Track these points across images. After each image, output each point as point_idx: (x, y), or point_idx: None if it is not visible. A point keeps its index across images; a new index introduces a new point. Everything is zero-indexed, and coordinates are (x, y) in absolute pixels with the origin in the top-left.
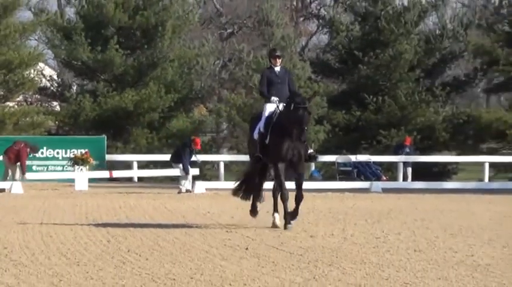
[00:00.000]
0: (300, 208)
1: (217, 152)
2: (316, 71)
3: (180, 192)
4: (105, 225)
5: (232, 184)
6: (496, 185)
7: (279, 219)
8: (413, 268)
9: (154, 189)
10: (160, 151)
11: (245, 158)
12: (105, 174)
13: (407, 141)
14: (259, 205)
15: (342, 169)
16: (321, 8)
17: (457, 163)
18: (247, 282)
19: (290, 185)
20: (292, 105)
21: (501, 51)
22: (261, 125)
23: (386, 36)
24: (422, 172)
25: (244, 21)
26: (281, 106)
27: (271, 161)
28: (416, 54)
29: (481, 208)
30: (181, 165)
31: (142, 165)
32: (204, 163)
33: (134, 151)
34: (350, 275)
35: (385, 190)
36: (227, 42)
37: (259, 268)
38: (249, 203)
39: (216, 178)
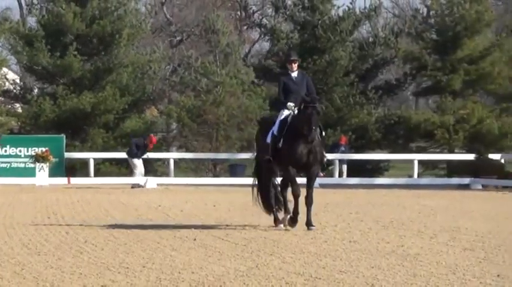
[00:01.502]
0: (311, 212)
1: (168, 150)
2: (259, 76)
3: (134, 187)
4: (64, 218)
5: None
6: (424, 181)
7: (289, 219)
8: (349, 258)
9: (109, 184)
10: (115, 149)
11: (192, 155)
12: (63, 180)
13: (342, 141)
14: (281, 214)
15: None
16: (263, 17)
17: (388, 161)
18: (195, 270)
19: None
20: (302, 104)
21: (429, 58)
22: (274, 129)
23: (323, 44)
24: (356, 169)
25: (192, 30)
26: (297, 110)
27: (283, 166)
28: (351, 60)
29: (411, 202)
30: (134, 159)
31: (99, 162)
32: (155, 160)
33: (91, 149)
34: (290, 264)
35: (322, 185)
36: (177, 49)
37: (206, 257)
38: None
39: (166, 174)
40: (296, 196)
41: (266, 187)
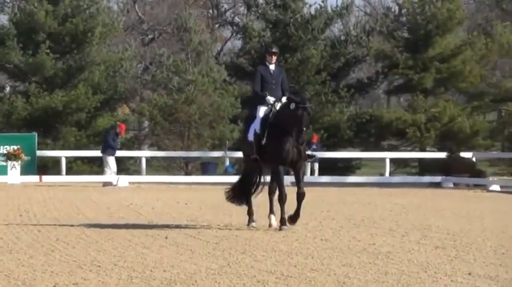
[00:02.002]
0: (301, 206)
1: (139, 148)
2: (231, 74)
3: (106, 185)
4: (35, 216)
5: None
6: (396, 179)
7: (275, 220)
8: (320, 256)
9: (81, 182)
10: (87, 148)
11: (164, 154)
12: (35, 179)
13: (314, 139)
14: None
15: None
16: (235, 15)
17: (360, 159)
18: (166, 268)
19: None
20: (293, 104)
21: (400, 56)
22: (256, 126)
23: (295, 42)
24: (328, 167)
25: (164, 28)
26: (278, 106)
27: (270, 163)
28: (323, 59)
29: (382, 200)
30: (109, 157)
31: (71, 160)
32: (127, 158)
33: (63, 148)
34: (261, 262)
35: (294, 184)
36: (148, 47)
37: (178, 256)
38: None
39: (138, 172)
40: (282, 202)
41: (249, 179)
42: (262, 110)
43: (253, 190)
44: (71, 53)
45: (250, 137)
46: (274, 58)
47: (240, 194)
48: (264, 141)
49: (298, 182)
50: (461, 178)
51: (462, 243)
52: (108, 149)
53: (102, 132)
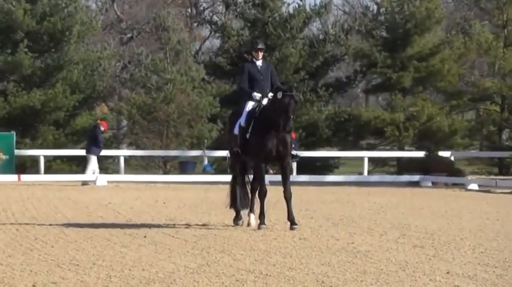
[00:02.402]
0: (292, 205)
1: (118, 147)
2: (210, 73)
3: (84, 184)
4: (14, 215)
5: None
6: (374, 178)
7: (254, 219)
8: (299, 255)
9: (60, 181)
10: (65, 147)
11: (143, 153)
12: (14, 178)
13: (292, 136)
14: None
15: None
16: (213, 14)
17: (338, 158)
18: (145, 267)
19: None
20: (280, 93)
21: (379, 55)
22: (242, 119)
23: (273, 41)
24: (306, 166)
25: (143, 27)
26: (265, 101)
27: (253, 159)
28: (301, 58)
29: (361, 199)
30: (92, 156)
31: (49, 159)
32: (106, 157)
33: (41, 146)
34: (240, 261)
35: (272, 183)
36: (127, 46)
37: (157, 255)
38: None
39: (116, 171)
40: (262, 197)
41: (235, 182)
42: (249, 105)
43: (238, 198)
44: (49, 52)
45: (235, 130)
46: (261, 54)
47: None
48: (248, 135)
49: (285, 181)
50: (439, 177)
51: (440, 242)
52: (94, 148)
53: (87, 133)
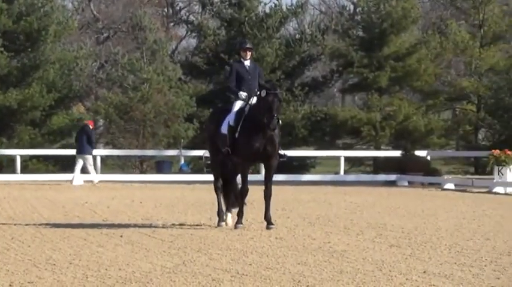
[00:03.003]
0: (270, 205)
1: (94, 147)
2: (186, 73)
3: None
4: None
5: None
6: (350, 177)
7: (230, 218)
8: (275, 254)
9: (37, 181)
10: (42, 146)
11: (119, 152)
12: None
13: None
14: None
15: (208, 162)
16: (189, 14)
17: (315, 157)
18: (122, 267)
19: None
20: (263, 91)
21: (355, 54)
22: (230, 118)
23: (249, 41)
24: (283, 166)
25: (119, 26)
26: (254, 100)
27: (241, 158)
28: (278, 57)
29: (337, 198)
30: (87, 156)
31: (26, 159)
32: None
33: (18, 146)
34: (217, 260)
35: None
36: (103, 45)
37: (133, 254)
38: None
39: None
40: (243, 195)
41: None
42: (237, 104)
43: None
44: (25, 52)
45: (224, 129)
46: (249, 54)
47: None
48: (237, 135)
49: (268, 181)
50: (416, 177)
51: (417, 241)
52: (89, 147)
53: (78, 134)
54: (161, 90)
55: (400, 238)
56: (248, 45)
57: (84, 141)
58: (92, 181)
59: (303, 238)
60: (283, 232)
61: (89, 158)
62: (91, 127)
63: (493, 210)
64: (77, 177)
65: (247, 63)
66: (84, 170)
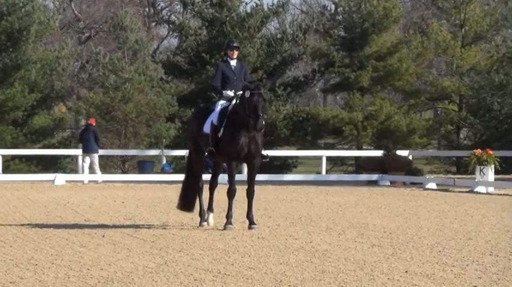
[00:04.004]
0: (253, 204)
1: (76, 146)
2: (168, 72)
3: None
4: None
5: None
6: (332, 177)
7: (212, 218)
8: (257, 254)
9: (18, 181)
10: (24, 146)
11: (101, 152)
12: None
13: None
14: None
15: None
16: (171, 14)
17: (297, 157)
18: (104, 267)
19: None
20: (248, 92)
21: (337, 54)
22: (214, 117)
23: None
24: (264, 165)
25: (101, 26)
26: (239, 100)
27: (225, 158)
28: (259, 57)
29: (319, 198)
30: (95, 154)
31: (8, 159)
32: (64, 156)
33: None
34: (199, 260)
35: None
36: (85, 45)
37: (115, 254)
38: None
39: (75, 171)
40: (231, 196)
41: (195, 180)
42: (221, 104)
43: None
44: (6, 51)
45: (206, 129)
46: (236, 53)
47: (188, 199)
48: (220, 134)
49: (251, 180)
50: (397, 176)
51: (399, 241)
52: (96, 146)
53: (83, 134)
54: (143, 90)
55: (382, 237)
56: (235, 44)
57: (92, 140)
58: (96, 181)
59: (285, 238)
60: (265, 231)
61: (97, 156)
62: (94, 124)
63: (475, 209)
64: (58, 177)
65: (233, 63)
66: (82, 170)
